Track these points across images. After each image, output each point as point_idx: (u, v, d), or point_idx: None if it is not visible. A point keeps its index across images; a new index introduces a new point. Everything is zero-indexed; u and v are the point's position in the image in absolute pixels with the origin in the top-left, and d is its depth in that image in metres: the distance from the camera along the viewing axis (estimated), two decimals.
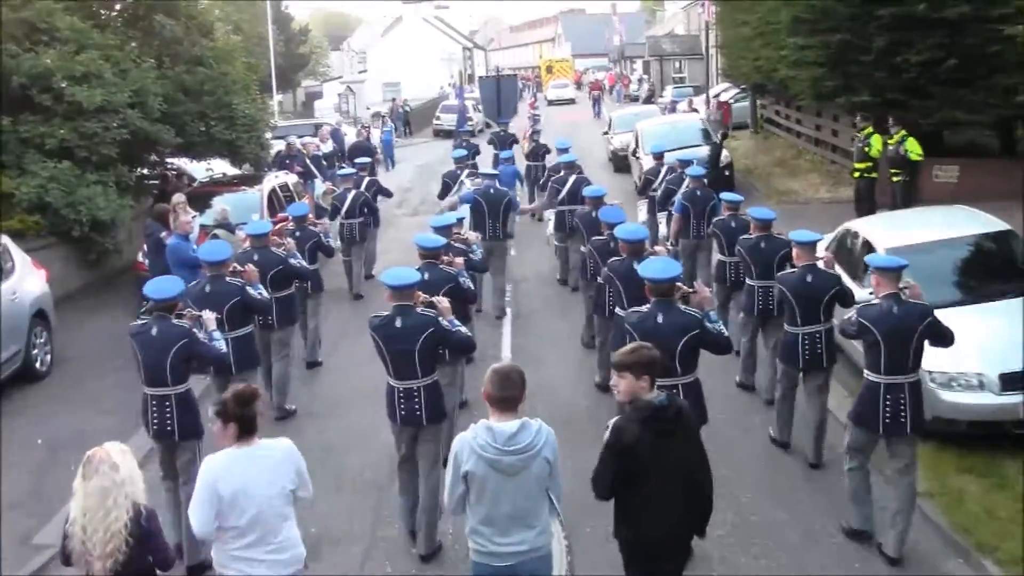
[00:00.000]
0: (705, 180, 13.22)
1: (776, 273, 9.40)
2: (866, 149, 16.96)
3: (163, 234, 12.72)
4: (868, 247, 10.54)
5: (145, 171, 19.20)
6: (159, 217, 13.11)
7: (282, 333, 10.70)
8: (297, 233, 12.02)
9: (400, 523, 7.85)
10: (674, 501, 5.28)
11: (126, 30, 17.71)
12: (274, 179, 17.46)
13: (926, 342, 7.03)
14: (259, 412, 5.28)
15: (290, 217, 12.52)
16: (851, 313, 7.39)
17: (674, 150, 21.26)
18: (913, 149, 16.23)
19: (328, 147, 25.32)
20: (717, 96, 34.55)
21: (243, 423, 5.16)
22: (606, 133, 31.06)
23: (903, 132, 16.45)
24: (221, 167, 20.38)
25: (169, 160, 20.32)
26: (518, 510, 5.08)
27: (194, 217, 13.61)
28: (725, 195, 11.53)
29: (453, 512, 5.35)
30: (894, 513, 7.14)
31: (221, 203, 14.59)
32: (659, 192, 15.18)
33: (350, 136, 36.24)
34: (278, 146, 22.65)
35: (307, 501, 5.57)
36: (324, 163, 23.88)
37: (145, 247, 13.71)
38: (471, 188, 14.86)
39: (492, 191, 13.97)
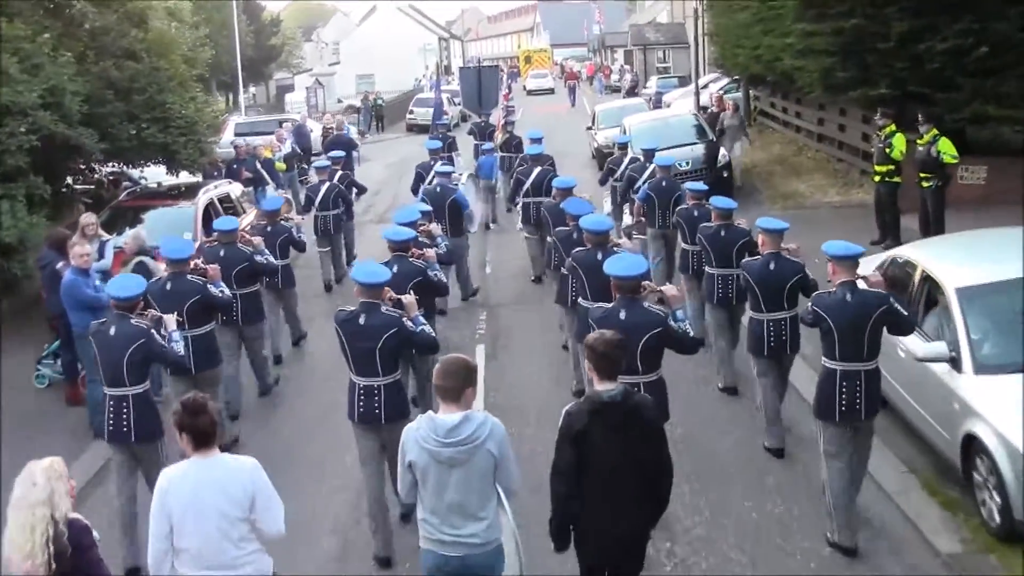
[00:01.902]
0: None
1: (735, 261, 9.65)
2: (887, 150, 14.87)
3: (60, 264, 10.57)
4: (931, 284, 8.49)
5: (71, 181, 16.93)
6: (56, 244, 10.94)
7: (250, 329, 10.74)
8: (268, 228, 12.09)
9: (369, 521, 7.56)
10: (624, 495, 5.27)
11: (41, 19, 15.31)
12: (213, 190, 15.26)
13: (884, 330, 7.09)
14: (213, 421, 5.07)
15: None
16: (808, 302, 7.45)
17: (667, 149, 19.50)
18: (947, 151, 14.13)
19: (287, 148, 23.11)
20: (722, 90, 32.38)
21: (194, 433, 5.02)
22: (590, 128, 28.88)
23: (934, 131, 14.35)
24: (158, 174, 18.05)
25: (111, 165, 18.11)
26: (461, 502, 5.10)
27: (106, 241, 11.65)
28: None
29: (405, 499, 5.53)
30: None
31: (142, 225, 13.01)
32: (621, 181, 15.25)
33: (317, 132, 34.21)
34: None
35: (268, 536, 5.14)
36: (284, 164, 21.74)
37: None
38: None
39: (438, 190, 13.69)
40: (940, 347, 7.79)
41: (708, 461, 8.80)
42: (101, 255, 11.62)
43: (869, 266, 9.98)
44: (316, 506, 8.48)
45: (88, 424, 10.29)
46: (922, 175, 14.46)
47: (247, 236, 11.09)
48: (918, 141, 14.55)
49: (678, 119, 22.49)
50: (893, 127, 14.80)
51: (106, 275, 10.58)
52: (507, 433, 5.21)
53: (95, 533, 4.95)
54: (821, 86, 18.17)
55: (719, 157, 19.69)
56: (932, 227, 14.38)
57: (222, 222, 11.20)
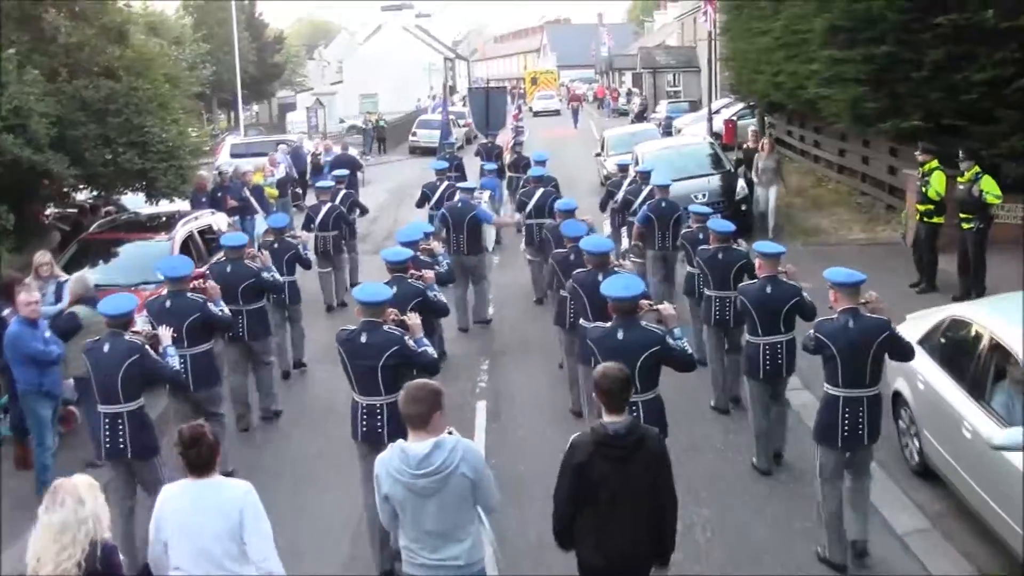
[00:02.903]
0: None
1: (733, 284, 9.76)
2: (924, 189, 13.69)
3: (6, 311, 9.40)
4: (1001, 353, 7.27)
5: (53, 207, 15.79)
6: (3, 289, 9.75)
7: (258, 344, 10.71)
8: (275, 245, 12.06)
9: (370, 538, 7.48)
10: (628, 527, 5.26)
11: (7, 32, 14.03)
12: (193, 221, 14.07)
13: (886, 356, 7.12)
14: (211, 449, 5.10)
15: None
16: (810, 328, 7.41)
17: (682, 179, 18.42)
18: (990, 190, 12.91)
19: (280, 172, 21.95)
20: (736, 116, 31.19)
21: (192, 463, 5.07)
22: (599, 155, 27.69)
23: (976, 168, 13.14)
24: (139, 201, 16.83)
25: (89, 190, 16.92)
26: (442, 528, 5.08)
27: (64, 282, 10.48)
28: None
29: (388, 527, 5.39)
30: (847, 522, 7.27)
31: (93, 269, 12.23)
32: (618, 203, 15.24)
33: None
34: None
35: (259, 563, 5.07)
36: (276, 191, 20.57)
37: None
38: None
39: (460, 205, 13.76)
40: (1019, 435, 6.56)
41: (703, 479, 8.73)
42: (59, 298, 10.49)
43: (919, 325, 8.86)
44: (321, 522, 8.48)
45: (35, 493, 9.09)
46: (962, 216, 13.26)
47: (254, 252, 11.13)
48: (959, 179, 13.37)
49: (692, 147, 21.21)
50: (935, 163, 13.60)
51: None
52: (480, 454, 5.22)
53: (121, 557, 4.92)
54: (849, 116, 17.00)
55: (737, 190, 18.52)
56: (973, 272, 13.19)
57: (230, 238, 11.17)
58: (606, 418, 5.28)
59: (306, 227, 14.97)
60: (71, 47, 14.59)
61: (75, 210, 17.83)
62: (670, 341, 6.92)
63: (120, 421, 7.43)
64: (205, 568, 5.01)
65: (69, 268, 12.71)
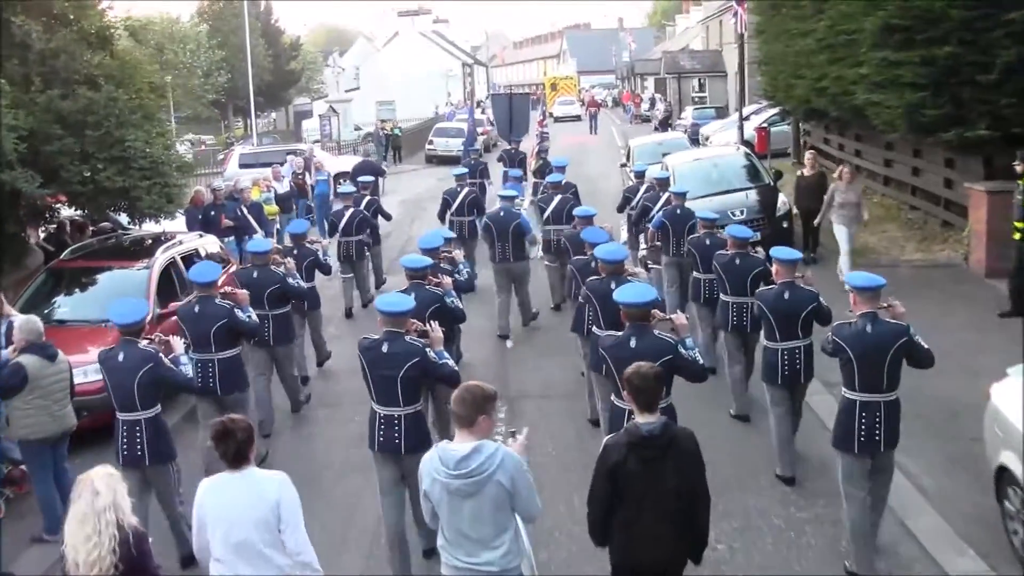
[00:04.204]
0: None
1: (749, 290, 9.82)
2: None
3: None
4: None
5: (22, 227, 14.37)
6: None
7: (282, 349, 10.90)
8: (295, 251, 12.16)
9: (387, 550, 7.52)
10: (662, 527, 5.27)
11: None
12: (177, 246, 12.63)
13: (903, 361, 7.00)
14: (247, 439, 5.24)
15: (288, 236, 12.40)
16: (828, 331, 7.37)
17: (716, 194, 16.92)
18: None
19: (283, 186, 20.48)
20: (766, 123, 29.57)
21: (227, 455, 5.22)
22: (624, 165, 26.16)
23: None
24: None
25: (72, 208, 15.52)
26: (475, 531, 5.11)
27: (7, 321, 9.16)
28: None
29: (429, 524, 5.45)
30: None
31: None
32: (635, 210, 15.19)
33: (327, 164, 31.63)
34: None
35: (295, 555, 5.23)
36: (276, 207, 19.11)
37: None
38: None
39: (502, 213, 13.85)
40: None
41: (721, 489, 7.92)
42: (8, 340, 9.08)
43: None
44: (339, 528, 8.44)
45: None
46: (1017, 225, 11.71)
47: (279, 259, 11.25)
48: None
49: (727, 159, 19.50)
50: None
51: None
52: (520, 463, 5.12)
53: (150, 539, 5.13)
54: (904, 125, 15.31)
55: (778, 204, 16.93)
56: None
57: (256, 243, 11.42)
58: (639, 418, 5.34)
59: (330, 232, 15.28)
60: (46, 54, 13.14)
61: (56, 227, 16.46)
62: (682, 351, 6.94)
63: (138, 428, 7.51)
64: (246, 558, 5.16)
65: (34, 300, 11.46)
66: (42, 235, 16.36)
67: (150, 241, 13.51)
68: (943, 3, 13.89)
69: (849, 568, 7.20)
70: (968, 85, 14.05)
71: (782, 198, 17.23)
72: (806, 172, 17.09)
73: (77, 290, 11.69)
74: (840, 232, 15.09)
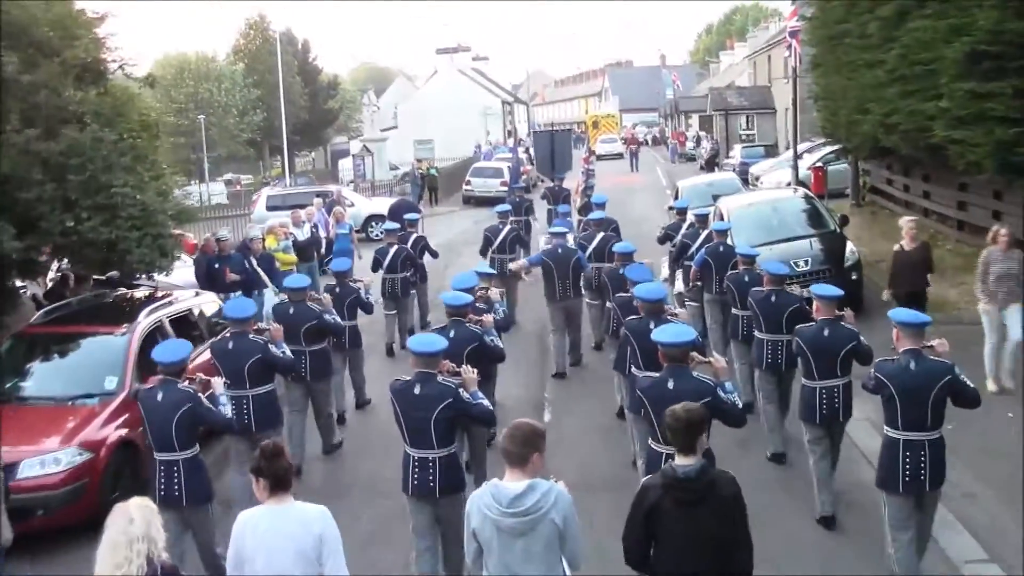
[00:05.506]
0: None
1: (784, 327, 9.70)
2: None
3: None
4: None
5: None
6: None
7: (320, 384, 10.84)
8: (337, 289, 12.12)
9: None
10: (696, 571, 5.13)
11: None
12: (165, 307, 11.12)
13: (948, 400, 6.97)
14: (290, 466, 5.28)
15: (332, 273, 12.70)
16: (871, 368, 7.37)
17: (776, 242, 15.30)
18: None
19: (304, 232, 18.93)
20: (822, 162, 27.79)
21: (273, 477, 5.17)
22: (672, 208, 24.51)
23: None
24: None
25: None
26: (526, 571, 5.07)
27: None
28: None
29: (472, 566, 5.41)
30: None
31: None
32: (675, 248, 15.15)
33: (360, 206, 30.32)
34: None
35: None
36: (292, 256, 17.54)
37: None
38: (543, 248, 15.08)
39: (560, 251, 13.87)
40: None
41: (757, 531, 7.06)
42: None
43: None
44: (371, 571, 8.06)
45: None
46: None
47: (315, 295, 11.17)
48: None
49: (786, 202, 17.78)
50: None
51: None
52: (571, 503, 5.10)
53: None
54: (993, 164, 13.55)
55: (847, 254, 15.19)
56: None
57: (293, 279, 11.21)
58: (677, 460, 5.27)
59: (374, 268, 15.23)
60: (26, 88, 11.75)
61: (60, 278, 15.07)
62: (721, 394, 6.82)
63: (176, 469, 7.47)
64: None
65: None
66: (50, 284, 15.10)
67: (143, 297, 12.07)
68: None
69: None
70: None
71: (850, 247, 15.54)
72: (906, 245, 13.09)
73: (44, 360, 10.21)
74: (992, 314, 11.75)
